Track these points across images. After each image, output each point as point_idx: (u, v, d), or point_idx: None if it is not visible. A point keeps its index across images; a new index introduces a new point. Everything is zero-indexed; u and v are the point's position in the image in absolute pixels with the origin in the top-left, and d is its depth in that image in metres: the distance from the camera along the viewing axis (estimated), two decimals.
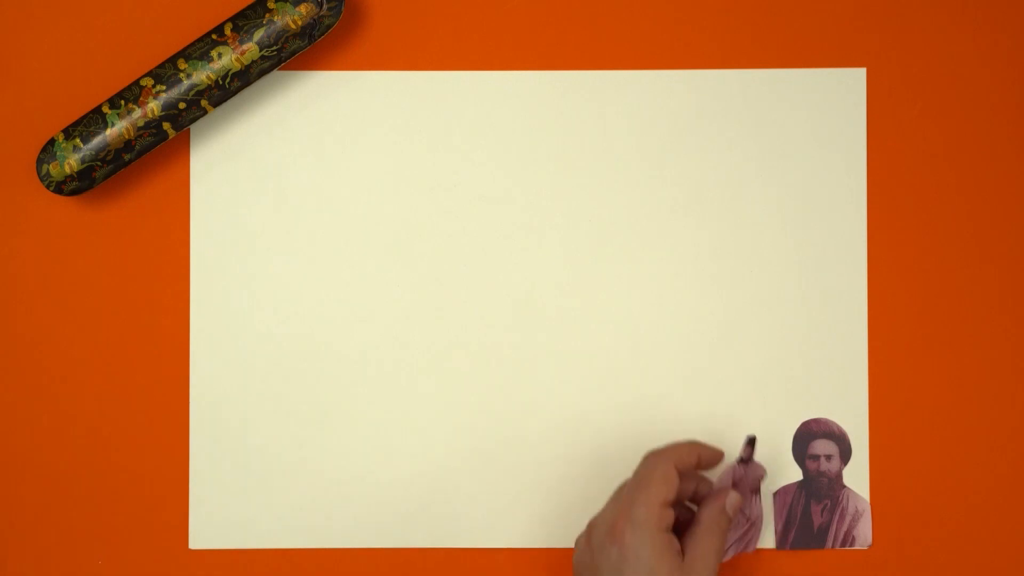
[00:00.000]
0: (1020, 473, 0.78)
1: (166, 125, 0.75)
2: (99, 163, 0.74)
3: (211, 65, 0.74)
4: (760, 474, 0.76)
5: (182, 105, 0.74)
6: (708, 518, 0.70)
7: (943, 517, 0.78)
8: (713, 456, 0.72)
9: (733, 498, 0.71)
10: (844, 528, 0.78)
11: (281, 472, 0.77)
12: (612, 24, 0.78)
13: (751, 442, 0.74)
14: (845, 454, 0.78)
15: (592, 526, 0.70)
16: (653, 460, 0.69)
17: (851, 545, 0.78)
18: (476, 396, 0.78)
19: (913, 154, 0.78)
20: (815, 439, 0.78)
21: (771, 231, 0.78)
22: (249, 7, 0.74)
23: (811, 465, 0.78)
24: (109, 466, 0.78)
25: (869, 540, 0.78)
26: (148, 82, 0.75)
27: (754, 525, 0.77)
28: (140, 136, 0.74)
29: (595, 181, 0.78)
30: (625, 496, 0.69)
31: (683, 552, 0.69)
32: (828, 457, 0.78)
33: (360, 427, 0.77)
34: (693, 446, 0.71)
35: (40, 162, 0.75)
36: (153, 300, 0.78)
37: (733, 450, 0.78)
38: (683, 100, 0.78)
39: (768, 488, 0.79)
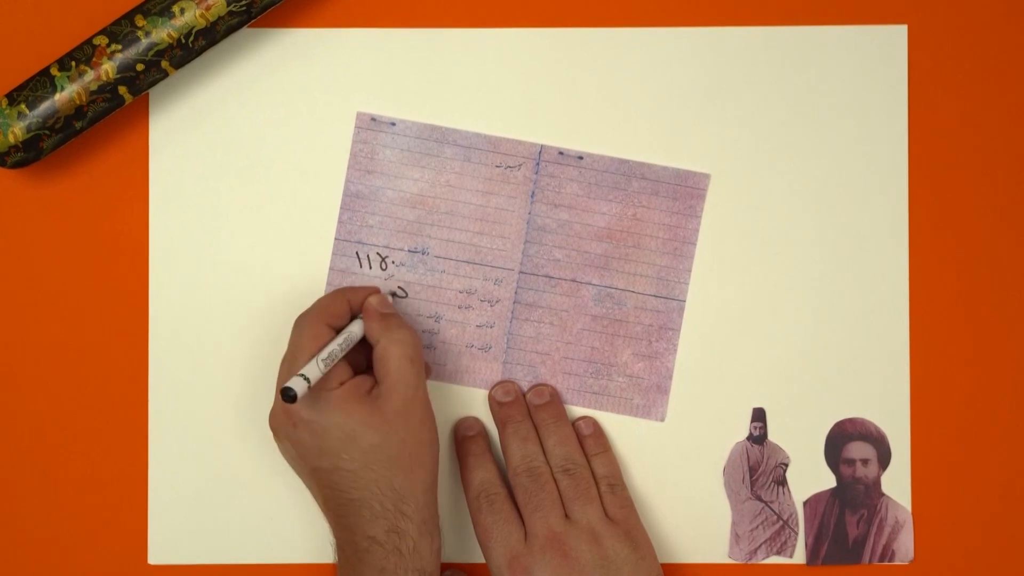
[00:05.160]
0: None
1: (122, 89, 0.74)
2: (47, 132, 0.74)
3: (172, 22, 0.74)
4: (782, 459, 0.76)
5: (140, 67, 0.74)
6: (370, 331, 0.72)
7: (992, 529, 0.78)
8: (362, 293, 0.74)
9: (374, 299, 0.73)
10: (883, 541, 0.77)
11: (242, 484, 0.77)
12: None
13: (759, 416, 0.74)
14: (884, 458, 0.77)
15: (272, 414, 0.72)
16: (299, 324, 0.71)
17: (890, 560, 0.77)
18: (457, 392, 0.78)
19: (957, 116, 0.78)
20: (850, 441, 0.77)
21: (803, 205, 0.78)
22: None
23: (846, 470, 0.77)
24: (63, 476, 0.77)
25: (911, 554, 0.77)
26: (102, 41, 0.74)
27: (787, 525, 0.76)
28: (93, 101, 0.74)
29: (608, 150, 0.78)
30: (282, 372, 0.71)
31: (375, 382, 0.71)
32: (865, 461, 0.77)
33: None
34: (338, 295, 0.73)
35: None
36: (108, 289, 0.77)
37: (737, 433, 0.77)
38: (706, 61, 0.77)
39: (798, 496, 0.77)
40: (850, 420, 0.77)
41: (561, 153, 0.77)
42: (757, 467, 0.77)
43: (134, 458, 0.77)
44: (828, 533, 0.77)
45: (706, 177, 0.77)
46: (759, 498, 0.77)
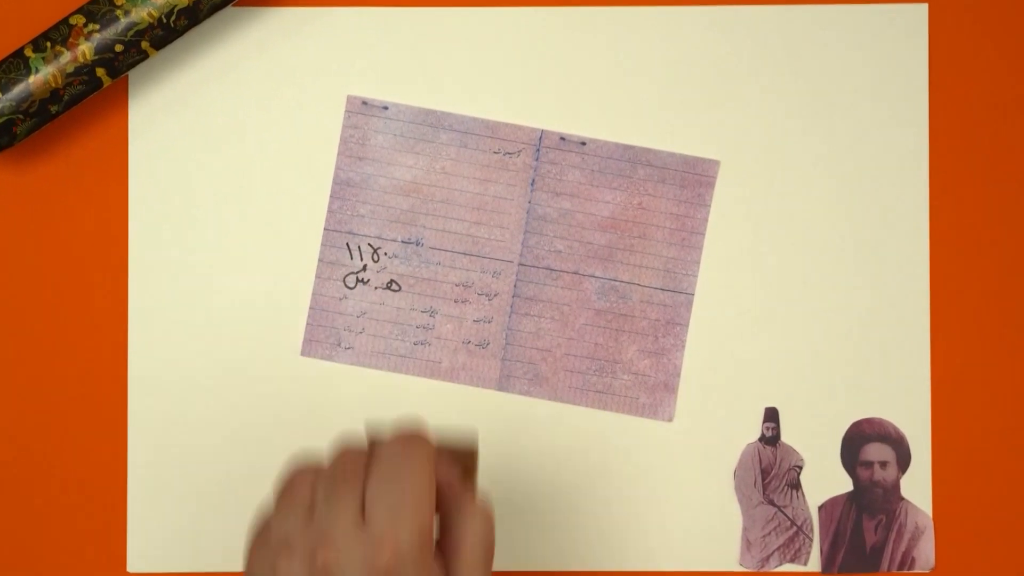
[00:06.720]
0: None
1: (100, 71, 0.74)
2: (21, 116, 0.74)
3: (153, 0, 0.74)
4: (795, 462, 0.77)
5: (119, 48, 0.74)
6: (445, 508, 0.59)
7: (1017, 536, 0.78)
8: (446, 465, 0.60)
9: (451, 473, 0.59)
10: (902, 548, 0.77)
11: (224, 490, 0.78)
12: None
13: (772, 415, 0.76)
14: (903, 460, 0.77)
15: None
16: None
17: (910, 568, 0.77)
18: (453, 391, 0.78)
19: (980, 98, 0.78)
20: (868, 443, 0.77)
21: (818, 194, 0.78)
22: None
23: (863, 473, 0.77)
24: (38, 482, 0.78)
25: (931, 562, 0.77)
26: (79, 20, 0.74)
27: (801, 530, 0.77)
28: (69, 84, 0.74)
29: (612, 135, 0.78)
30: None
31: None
32: (883, 464, 0.77)
33: (311, 439, 0.78)
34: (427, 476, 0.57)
35: None
36: (84, 283, 0.78)
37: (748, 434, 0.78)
38: (716, 41, 0.78)
39: (813, 500, 0.78)
40: (868, 420, 0.77)
41: (563, 139, 0.78)
42: (770, 470, 0.77)
43: (112, 462, 0.77)
44: (844, 539, 0.77)
45: (716, 164, 0.77)
46: (772, 502, 0.77)
